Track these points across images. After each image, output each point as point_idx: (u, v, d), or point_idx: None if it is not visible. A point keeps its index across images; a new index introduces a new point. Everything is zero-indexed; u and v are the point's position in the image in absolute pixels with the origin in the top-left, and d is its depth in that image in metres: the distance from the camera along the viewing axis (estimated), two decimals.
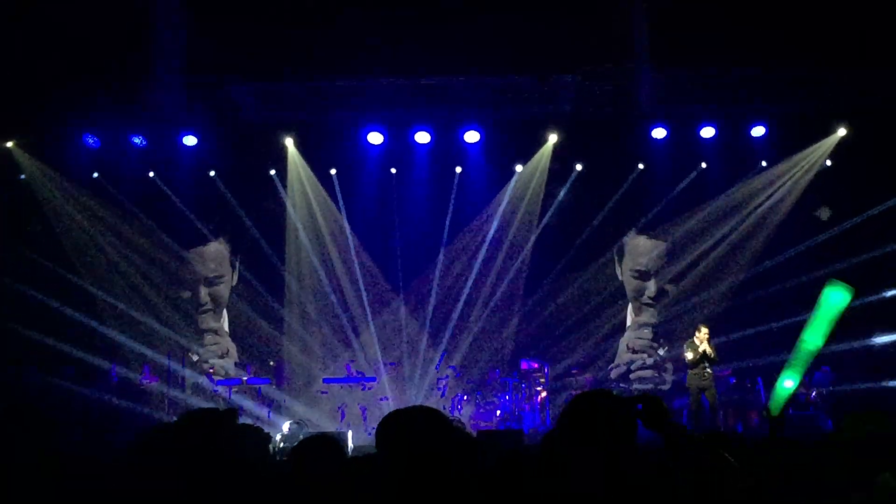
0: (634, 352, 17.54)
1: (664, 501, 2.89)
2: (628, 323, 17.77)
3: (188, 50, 14.81)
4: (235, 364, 17.44)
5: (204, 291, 17.88)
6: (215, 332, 17.81)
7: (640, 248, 17.79)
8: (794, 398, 14.92)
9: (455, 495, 2.71)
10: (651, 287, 17.66)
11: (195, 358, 17.37)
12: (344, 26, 13.87)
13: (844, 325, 15.48)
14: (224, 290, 17.95)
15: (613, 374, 17.52)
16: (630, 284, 17.82)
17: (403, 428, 2.83)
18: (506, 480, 3.22)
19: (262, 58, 14.45)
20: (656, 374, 17.32)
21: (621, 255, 17.86)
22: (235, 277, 17.96)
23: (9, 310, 15.83)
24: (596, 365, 17.35)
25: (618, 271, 17.85)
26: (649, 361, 17.36)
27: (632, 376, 17.41)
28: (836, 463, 3.37)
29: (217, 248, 17.94)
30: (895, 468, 3.36)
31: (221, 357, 17.62)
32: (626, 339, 17.67)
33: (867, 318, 15.60)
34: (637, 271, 17.74)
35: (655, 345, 17.38)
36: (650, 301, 17.65)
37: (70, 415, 14.29)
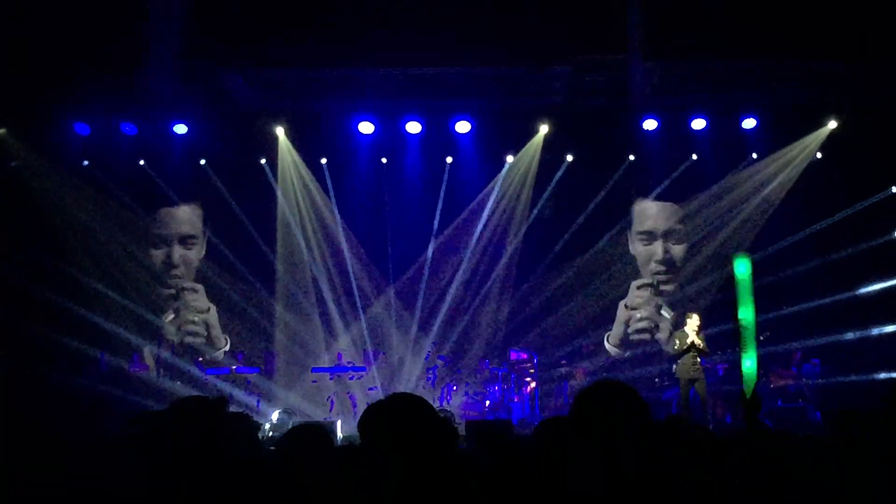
0: (632, 308, 17.59)
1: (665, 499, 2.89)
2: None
3: (180, 37, 14.73)
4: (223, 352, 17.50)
5: (177, 252, 17.80)
6: (194, 290, 17.83)
7: (647, 212, 17.76)
8: (766, 381, 15.01)
9: (441, 480, 2.71)
10: (657, 249, 17.61)
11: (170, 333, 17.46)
12: (336, 15, 13.82)
13: (836, 317, 15.66)
14: (195, 255, 17.90)
15: (611, 340, 17.54)
16: (638, 252, 17.79)
17: (385, 417, 2.83)
18: (503, 473, 3.23)
19: (253, 46, 14.39)
20: (652, 324, 17.37)
21: (630, 223, 17.88)
22: (203, 249, 17.93)
23: None
24: (586, 355, 17.35)
25: (631, 247, 17.88)
26: (645, 314, 17.37)
27: (629, 332, 17.48)
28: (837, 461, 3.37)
29: (189, 211, 17.90)
30: None
31: (201, 312, 17.69)
32: (624, 301, 17.71)
33: (857, 311, 15.69)
34: (643, 233, 17.71)
35: (654, 299, 17.37)
36: (657, 267, 17.61)
37: (59, 403, 14.25)
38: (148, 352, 17.23)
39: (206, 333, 17.66)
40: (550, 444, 3.10)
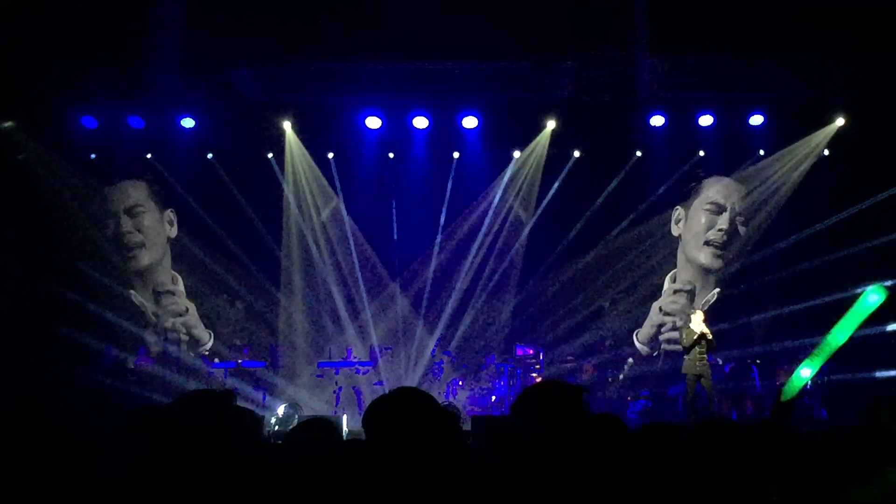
0: (666, 314, 17.54)
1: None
2: (665, 286, 17.81)
3: (187, 31, 14.73)
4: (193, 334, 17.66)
5: (126, 220, 17.78)
6: (171, 293, 17.87)
7: (719, 186, 17.59)
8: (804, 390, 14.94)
9: (447, 475, 2.71)
10: (723, 221, 17.48)
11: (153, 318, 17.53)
12: (342, 9, 13.81)
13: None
14: (150, 223, 17.91)
15: (640, 337, 17.59)
16: (698, 222, 17.62)
17: (389, 411, 2.84)
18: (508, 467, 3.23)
19: (260, 40, 14.38)
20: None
21: (689, 200, 17.70)
22: (174, 231, 17.97)
23: (4, 291, 15.81)
24: (593, 351, 17.35)
25: (674, 228, 17.74)
26: (680, 322, 17.32)
27: (661, 337, 17.46)
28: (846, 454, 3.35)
29: (133, 183, 17.87)
30: None
31: (180, 315, 17.70)
32: (658, 303, 17.67)
33: None
34: (712, 204, 17.55)
35: (690, 308, 17.32)
36: (717, 236, 17.49)
37: (64, 396, 14.28)
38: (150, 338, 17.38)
39: (187, 336, 17.71)
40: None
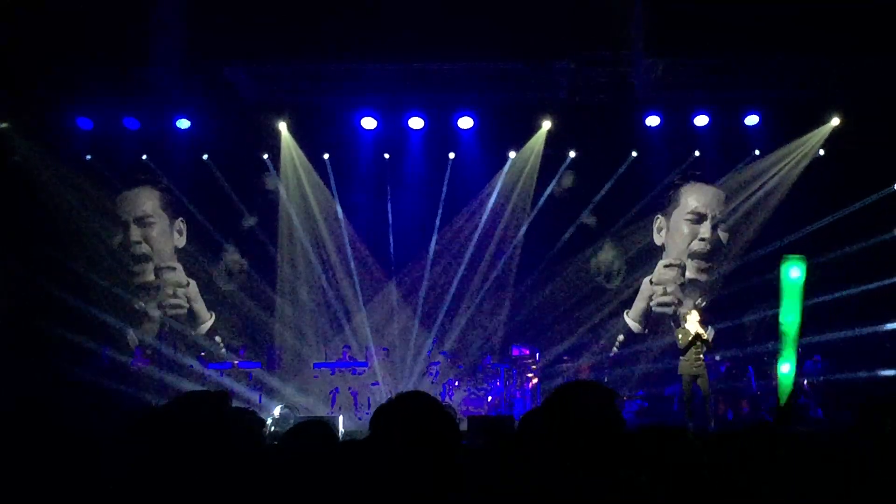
0: (657, 284, 17.68)
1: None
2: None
3: (185, 31, 14.70)
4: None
5: (135, 230, 17.90)
6: (172, 268, 18.08)
7: (697, 194, 17.66)
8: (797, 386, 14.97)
9: (445, 476, 2.72)
10: (704, 230, 17.54)
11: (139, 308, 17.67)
12: (339, 9, 13.81)
13: (838, 314, 15.64)
14: (158, 234, 18.00)
15: (632, 314, 17.66)
16: (681, 233, 17.68)
17: (400, 413, 2.84)
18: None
19: (256, 41, 14.36)
20: (675, 300, 17.45)
21: (669, 209, 17.75)
22: (182, 241, 18.02)
23: (4, 291, 15.80)
24: (589, 351, 17.36)
25: (656, 237, 17.77)
26: (669, 289, 17.45)
27: (651, 303, 17.60)
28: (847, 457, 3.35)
29: (145, 192, 17.96)
30: None
31: (181, 286, 17.95)
32: (650, 276, 17.75)
33: (859, 307, 15.68)
34: (692, 213, 17.61)
35: (681, 279, 17.42)
36: (701, 247, 17.56)
37: (60, 396, 14.26)
38: (132, 334, 17.36)
39: (187, 306, 17.85)
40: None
